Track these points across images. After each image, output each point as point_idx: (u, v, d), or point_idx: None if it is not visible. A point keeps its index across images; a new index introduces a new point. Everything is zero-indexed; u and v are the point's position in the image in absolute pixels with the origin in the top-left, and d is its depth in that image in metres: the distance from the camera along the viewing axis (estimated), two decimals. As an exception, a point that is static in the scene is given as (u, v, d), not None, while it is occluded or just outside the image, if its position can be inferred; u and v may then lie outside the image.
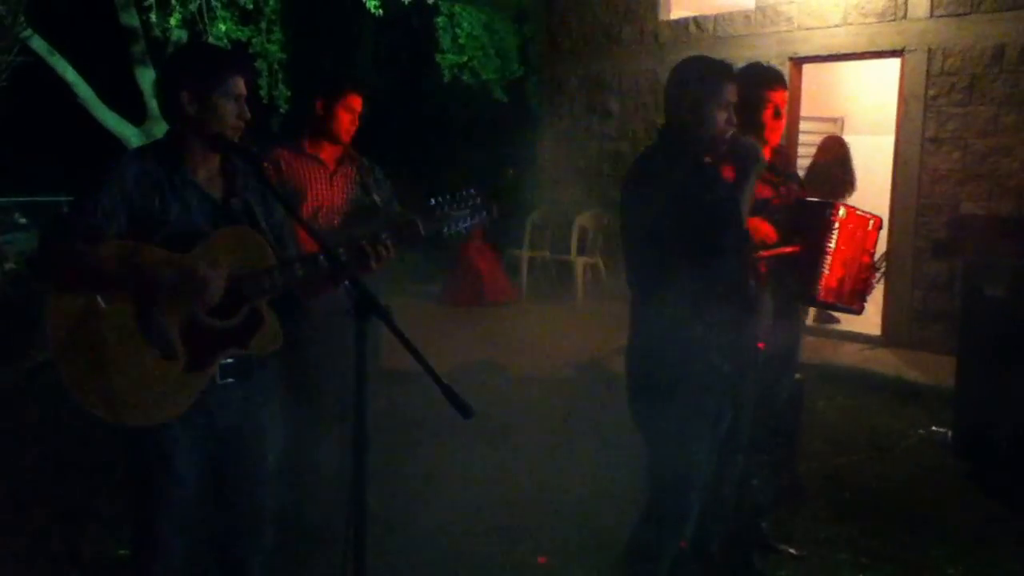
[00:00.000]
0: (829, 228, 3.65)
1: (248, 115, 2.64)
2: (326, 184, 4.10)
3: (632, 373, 3.13)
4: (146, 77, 12.26)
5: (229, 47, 11.87)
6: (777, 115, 3.72)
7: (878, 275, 3.93)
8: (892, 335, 7.59)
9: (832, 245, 3.64)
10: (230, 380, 2.64)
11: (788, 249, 3.64)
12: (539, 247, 10.33)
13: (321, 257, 2.62)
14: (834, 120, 10.06)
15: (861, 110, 9.88)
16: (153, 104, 12.31)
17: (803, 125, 8.88)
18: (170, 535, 2.62)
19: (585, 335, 7.64)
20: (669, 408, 3.00)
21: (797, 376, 4.68)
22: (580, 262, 9.57)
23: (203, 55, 2.82)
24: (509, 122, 12.79)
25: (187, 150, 2.62)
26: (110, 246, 2.45)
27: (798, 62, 8.10)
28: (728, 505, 3.88)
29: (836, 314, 7.36)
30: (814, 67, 8.42)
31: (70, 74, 11.69)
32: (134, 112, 12.17)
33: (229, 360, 2.62)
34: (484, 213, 2.85)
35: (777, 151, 3.85)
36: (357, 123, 4.12)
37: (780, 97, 3.69)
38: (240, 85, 2.61)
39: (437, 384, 2.19)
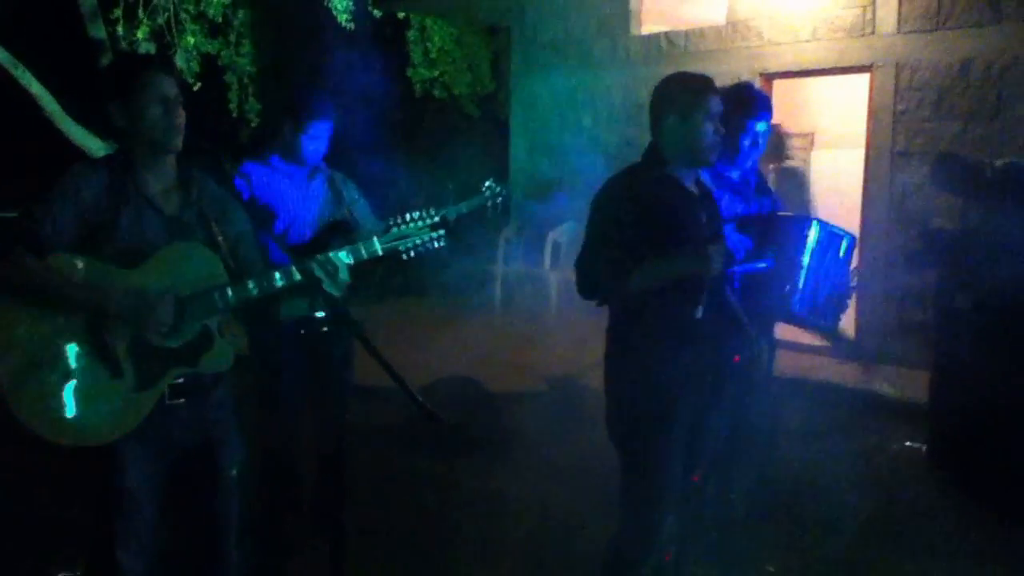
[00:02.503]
0: (803, 243, 3.66)
1: (180, 117, 2.57)
2: (298, 199, 4.07)
3: (607, 388, 3.12)
4: (113, 90, 12.19)
5: (198, 57, 11.80)
6: (754, 144, 3.74)
7: (851, 291, 3.94)
8: (865, 349, 7.61)
9: (806, 260, 3.65)
10: (181, 400, 2.60)
11: (761, 264, 3.65)
12: (512, 261, 10.30)
13: (276, 274, 2.60)
14: (805, 135, 10.13)
15: (831, 125, 9.95)
16: (121, 117, 12.25)
17: (775, 140, 8.93)
18: (129, 557, 2.57)
19: (559, 350, 7.61)
20: (641, 423, 2.99)
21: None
22: (554, 276, 9.55)
23: (117, 64, 2.80)
24: (482, 136, 12.78)
25: (137, 162, 2.59)
26: (58, 260, 2.42)
27: (769, 77, 8.15)
28: (704, 520, 3.87)
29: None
30: (785, 82, 8.47)
31: (35, 87, 11.56)
32: (102, 125, 12.06)
33: (179, 380, 2.58)
34: (443, 232, 2.83)
35: (752, 166, 3.86)
36: (326, 145, 4.09)
37: (757, 126, 3.70)
38: (163, 86, 2.55)
39: (410, 399, 2.16)
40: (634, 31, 9.23)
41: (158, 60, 2.72)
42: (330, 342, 4.08)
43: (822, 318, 3.81)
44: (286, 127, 4.03)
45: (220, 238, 2.68)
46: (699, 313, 2.98)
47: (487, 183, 4.31)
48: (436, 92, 13.19)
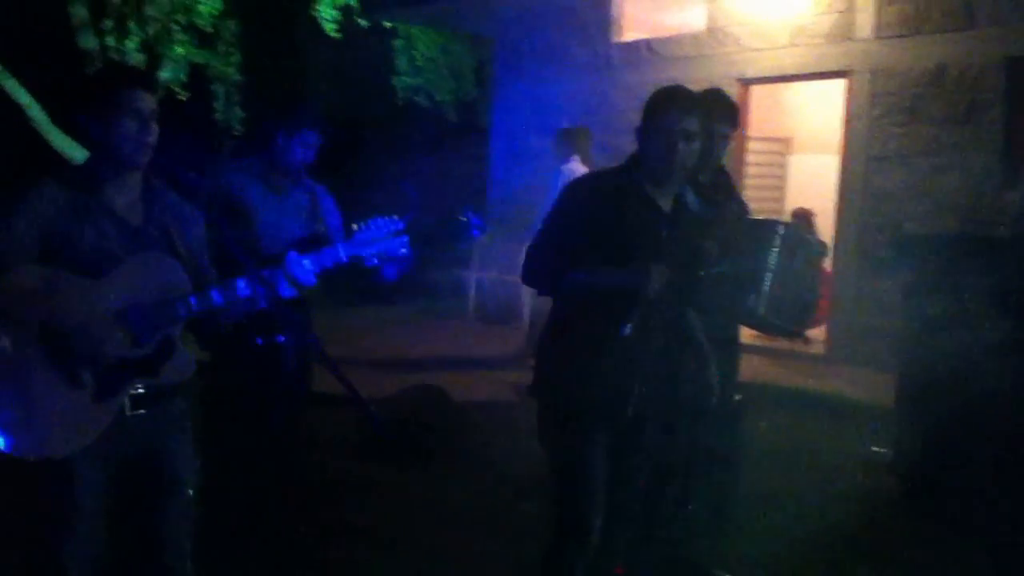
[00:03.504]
0: (769, 246, 3.65)
1: (153, 134, 2.56)
2: (275, 210, 4.07)
3: (533, 390, 3.12)
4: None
5: (186, 67, 11.79)
6: (716, 148, 3.72)
7: (818, 298, 3.93)
8: (837, 354, 7.62)
9: (771, 262, 3.63)
10: (141, 411, 2.57)
11: (723, 268, 3.65)
12: (488, 267, 10.28)
13: (239, 283, 2.60)
14: (782, 140, 10.16)
15: (809, 129, 9.97)
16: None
17: (752, 145, 8.97)
18: (75, 569, 2.54)
19: (530, 358, 7.59)
20: (565, 430, 3.00)
21: (736, 397, 4.68)
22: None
23: (98, 75, 2.77)
24: (462, 143, 12.80)
25: (103, 175, 2.58)
26: (20, 272, 2.42)
27: (747, 83, 8.17)
28: (661, 530, 3.87)
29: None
30: (763, 87, 8.50)
31: (23, 96, 11.54)
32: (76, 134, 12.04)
33: (140, 390, 2.56)
34: (406, 240, 2.83)
35: (719, 170, 3.85)
36: (312, 154, 4.09)
37: (722, 131, 3.70)
38: (141, 100, 2.54)
39: (362, 411, 2.16)
40: (615, 38, 9.26)
41: (139, 75, 2.70)
42: (287, 349, 4.10)
43: (787, 321, 3.79)
44: (276, 134, 4.02)
45: (182, 249, 2.68)
46: (626, 331, 2.87)
47: (465, 216, 4.25)
48: (419, 99, 13.18)
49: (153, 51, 11.60)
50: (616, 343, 2.87)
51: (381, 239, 2.80)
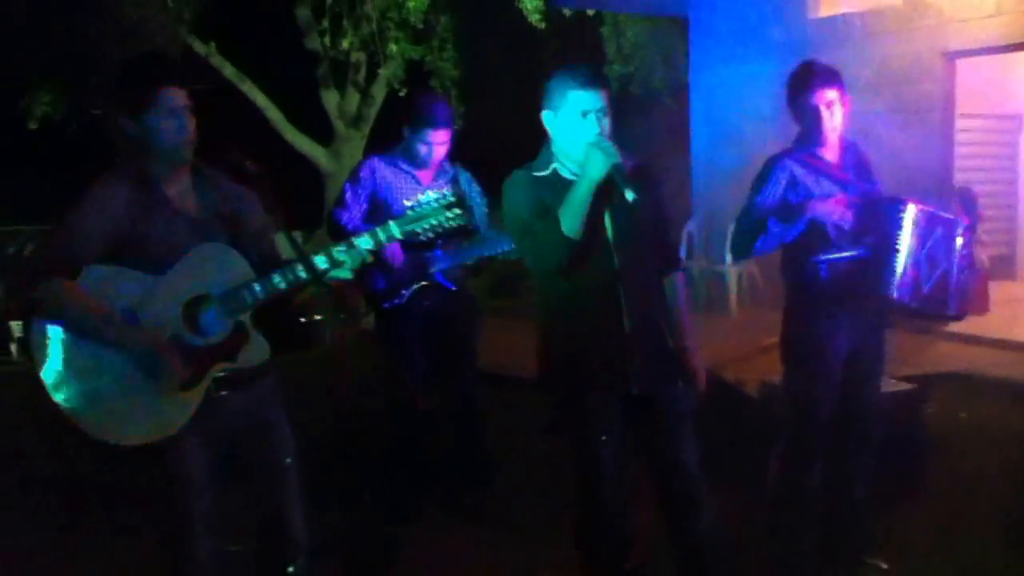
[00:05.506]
0: (899, 226, 3.49)
1: (191, 130, 2.62)
2: (413, 198, 4.27)
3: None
4: (330, 98, 12.82)
5: (404, 63, 12.21)
6: (828, 114, 3.60)
7: (971, 277, 3.72)
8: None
9: (903, 244, 3.48)
10: (226, 392, 2.71)
11: (854, 252, 3.54)
12: (694, 256, 10.08)
13: (299, 267, 2.70)
14: (1011, 118, 9.36)
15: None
16: (339, 124, 12.90)
17: (967, 123, 8.36)
18: (201, 536, 2.73)
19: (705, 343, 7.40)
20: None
21: (909, 386, 4.46)
22: (734, 272, 9.29)
23: (125, 73, 2.74)
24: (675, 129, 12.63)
25: (154, 172, 2.66)
26: (90, 272, 2.55)
27: (950, 56, 7.61)
28: (814, 513, 3.75)
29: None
30: (983, 60, 7.89)
31: (260, 99, 12.40)
32: (321, 133, 12.81)
33: (222, 373, 2.69)
34: (458, 212, 2.87)
35: (847, 147, 3.72)
36: (443, 150, 4.23)
37: (824, 97, 3.57)
38: (175, 97, 2.59)
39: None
40: (812, 14, 8.86)
41: (167, 71, 2.70)
42: (449, 315, 4.36)
43: (929, 304, 3.62)
44: (404, 131, 4.24)
45: (245, 235, 2.79)
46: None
47: None
48: (632, 88, 13.06)
49: (370, 49, 12.11)
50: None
51: (432, 212, 2.88)
